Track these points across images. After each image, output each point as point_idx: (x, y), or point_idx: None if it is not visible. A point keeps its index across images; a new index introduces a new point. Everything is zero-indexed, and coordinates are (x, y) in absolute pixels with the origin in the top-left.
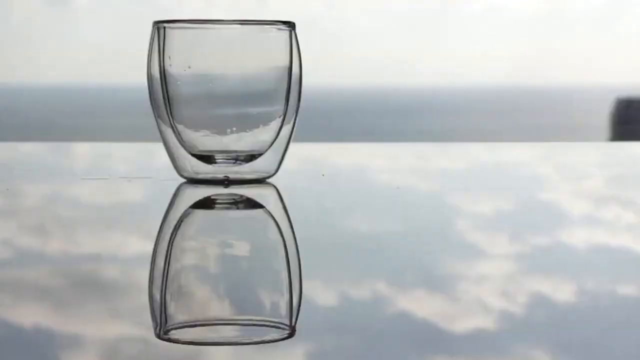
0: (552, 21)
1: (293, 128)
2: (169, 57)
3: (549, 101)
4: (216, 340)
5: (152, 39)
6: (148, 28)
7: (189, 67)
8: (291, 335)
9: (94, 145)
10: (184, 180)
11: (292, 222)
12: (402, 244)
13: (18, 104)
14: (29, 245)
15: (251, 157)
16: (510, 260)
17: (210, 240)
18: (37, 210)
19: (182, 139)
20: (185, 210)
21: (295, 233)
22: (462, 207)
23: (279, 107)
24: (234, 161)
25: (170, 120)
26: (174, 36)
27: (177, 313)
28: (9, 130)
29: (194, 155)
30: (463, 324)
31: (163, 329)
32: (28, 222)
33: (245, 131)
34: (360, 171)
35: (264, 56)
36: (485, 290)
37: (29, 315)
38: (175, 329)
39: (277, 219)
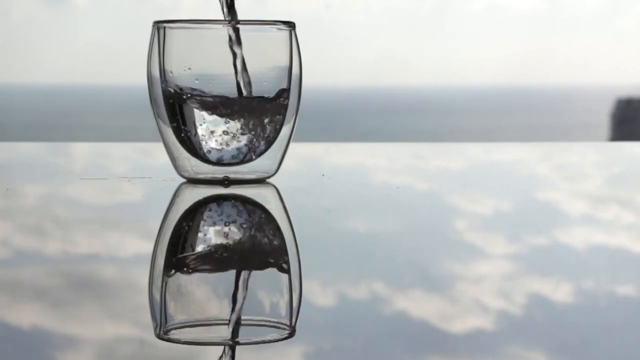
0: (552, 21)
1: (293, 128)
2: (171, 71)
3: (549, 101)
4: (216, 340)
5: (152, 39)
6: (148, 28)
7: (189, 68)
8: (291, 335)
9: (94, 145)
10: (184, 180)
11: (292, 222)
12: (401, 244)
13: (18, 104)
14: (29, 245)
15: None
16: (509, 260)
17: (210, 241)
18: (37, 210)
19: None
20: (186, 210)
21: (295, 233)
22: (461, 207)
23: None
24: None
25: (170, 121)
26: (174, 36)
27: (177, 313)
28: (9, 130)
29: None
30: (461, 324)
31: (163, 329)
32: (27, 222)
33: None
34: (360, 171)
35: (264, 56)
36: (484, 291)
37: (29, 316)
38: (175, 329)
39: (277, 219)
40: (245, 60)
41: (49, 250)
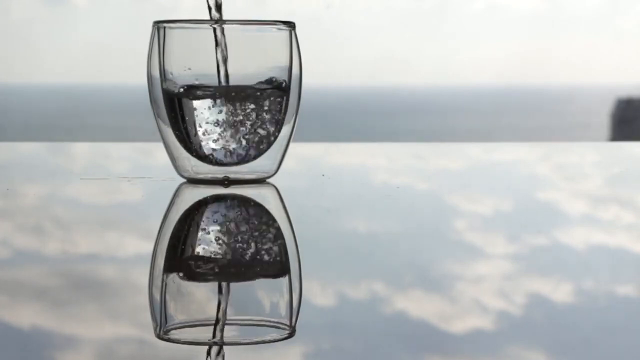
0: (552, 21)
1: (293, 128)
2: (171, 72)
3: (549, 101)
4: (216, 340)
5: (152, 39)
6: (148, 28)
7: (189, 68)
8: (291, 335)
9: (94, 145)
10: (184, 180)
11: (292, 222)
12: (401, 244)
13: (18, 104)
14: (29, 245)
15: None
16: (509, 260)
17: (210, 241)
18: (37, 210)
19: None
20: (186, 210)
21: (295, 233)
22: (461, 207)
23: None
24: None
25: (170, 121)
26: (174, 36)
27: (177, 313)
28: (9, 130)
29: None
30: (461, 324)
31: (163, 329)
32: (27, 222)
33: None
34: (360, 171)
35: (264, 56)
36: (484, 291)
37: (29, 316)
38: (175, 329)
39: (277, 219)
40: (246, 61)
41: (49, 250)
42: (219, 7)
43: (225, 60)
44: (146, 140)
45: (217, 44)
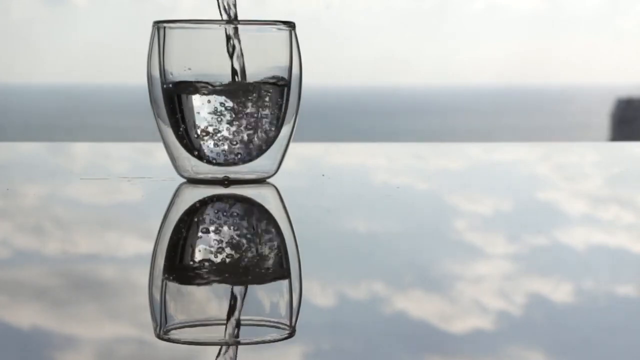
0: (552, 21)
1: (293, 128)
2: (171, 72)
3: (549, 101)
4: (216, 340)
5: (152, 39)
6: (148, 28)
7: (189, 68)
8: (291, 335)
9: (94, 145)
10: (184, 180)
11: (292, 222)
12: (401, 244)
13: (18, 104)
14: (29, 245)
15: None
16: (509, 260)
17: (210, 241)
18: (37, 210)
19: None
20: (186, 210)
21: (295, 233)
22: (461, 207)
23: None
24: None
25: (170, 120)
26: (174, 36)
27: (177, 313)
28: (9, 130)
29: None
30: (461, 324)
31: (163, 329)
32: (27, 222)
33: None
34: (360, 171)
35: (264, 56)
36: (484, 291)
37: (29, 316)
38: (175, 329)
39: (277, 219)
40: (246, 60)
41: (49, 250)
42: (233, 14)
43: (232, 59)
44: (146, 140)
45: (228, 42)
